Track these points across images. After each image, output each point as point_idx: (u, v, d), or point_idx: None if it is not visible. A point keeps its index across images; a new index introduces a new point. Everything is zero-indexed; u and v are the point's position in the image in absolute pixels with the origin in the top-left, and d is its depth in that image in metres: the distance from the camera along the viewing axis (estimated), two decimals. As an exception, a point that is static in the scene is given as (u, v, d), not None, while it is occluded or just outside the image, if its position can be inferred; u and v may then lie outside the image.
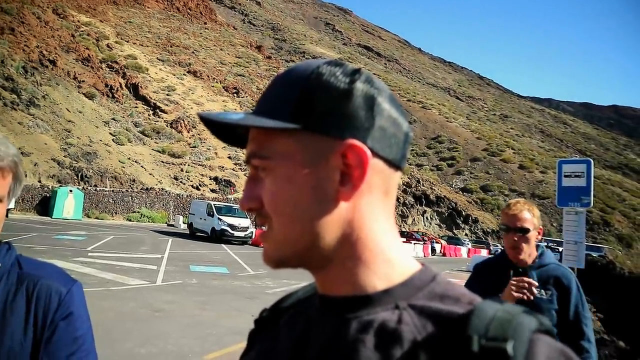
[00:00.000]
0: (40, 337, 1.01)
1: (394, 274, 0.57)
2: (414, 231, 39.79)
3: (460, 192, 61.35)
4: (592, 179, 6.59)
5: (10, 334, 0.99)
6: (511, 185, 65.08)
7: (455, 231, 48.44)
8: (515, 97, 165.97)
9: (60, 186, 26.02)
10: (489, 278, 2.27)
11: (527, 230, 2.16)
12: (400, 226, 44.04)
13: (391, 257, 0.58)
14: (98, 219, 27.08)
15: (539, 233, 2.24)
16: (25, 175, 26.17)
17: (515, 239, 2.18)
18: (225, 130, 0.63)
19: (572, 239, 6.62)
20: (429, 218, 49.08)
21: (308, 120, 0.55)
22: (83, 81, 42.30)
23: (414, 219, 47.43)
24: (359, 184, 0.55)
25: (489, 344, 0.46)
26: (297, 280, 12.22)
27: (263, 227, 0.60)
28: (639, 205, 64.40)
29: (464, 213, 50.66)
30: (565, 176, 6.79)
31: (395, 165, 0.59)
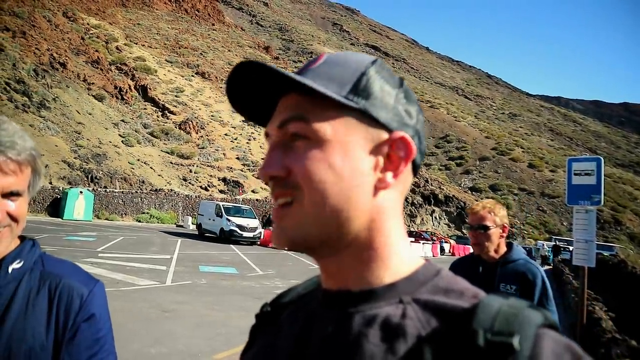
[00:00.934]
0: (62, 338, 1.00)
1: (402, 269, 0.57)
2: (423, 231, 39.64)
3: (469, 192, 61.04)
4: (603, 177, 6.53)
5: (32, 332, 0.99)
6: (520, 184, 64.64)
7: (464, 231, 48.17)
8: (524, 96, 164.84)
9: (71, 187, 26.27)
10: (461, 274, 2.35)
11: (486, 228, 2.38)
12: (409, 226, 43.91)
13: (402, 253, 0.58)
14: (108, 220, 27.30)
15: (503, 230, 2.44)
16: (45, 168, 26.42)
17: (476, 235, 2.41)
18: (250, 98, 0.61)
19: (583, 238, 6.56)
20: (437, 218, 48.89)
21: (366, 103, 0.56)
22: (93, 83, 42.72)
23: (422, 219, 47.28)
24: (398, 175, 0.57)
25: (495, 338, 0.46)
26: (307, 279, 12.23)
27: (280, 200, 0.57)
28: (651, 203, 63.63)
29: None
30: (575, 174, 6.73)
31: (415, 170, 0.61)
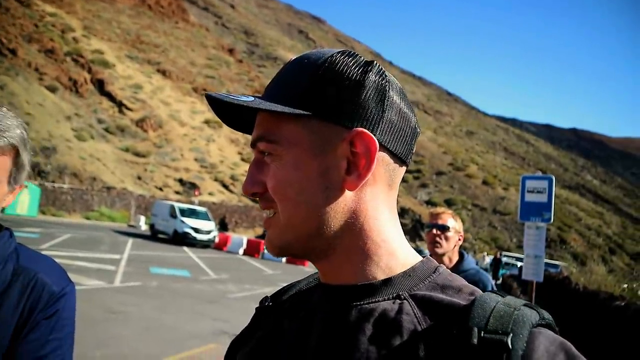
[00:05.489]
0: (19, 333, 0.94)
1: (396, 264, 0.57)
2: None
3: (425, 205, 62.36)
4: (554, 195, 6.79)
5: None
6: (474, 200, 66.62)
7: (418, 243, 49.09)
8: (481, 115, 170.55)
9: (16, 181, 24.96)
10: None
11: (446, 228, 2.45)
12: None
13: (393, 249, 0.58)
14: (54, 216, 26.07)
15: (459, 239, 2.53)
16: None
17: (436, 233, 2.47)
18: (232, 113, 0.62)
19: (533, 253, 6.78)
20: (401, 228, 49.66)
21: (318, 107, 0.55)
22: (45, 73, 40.87)
23: (378, 229, 47.88)
24: (365, 173, 0.55)
25: (489, 336, 0.46)
26: (260, 286, 12.07)
27: (266, 213, 0.60)
28: (594, 225, 67.07)
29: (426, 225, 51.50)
30: (528, 192, 6.97)
31: (401, 159, 0.59)
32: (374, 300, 0.55)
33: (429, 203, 64.63)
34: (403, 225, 50.99)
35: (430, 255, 2.54)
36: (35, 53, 43.33)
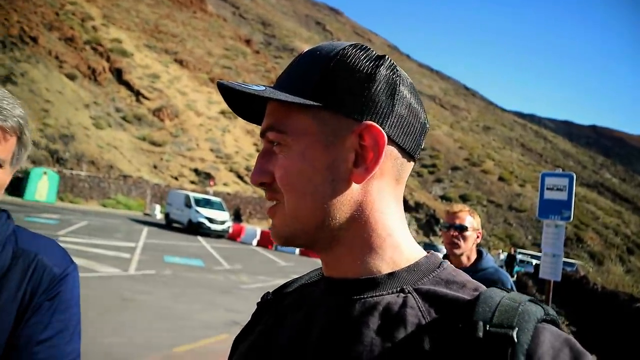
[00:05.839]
0: (22, 317, 0.92)
1: (400, 258, 0.57)
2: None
3: (439, 200, 61.94)
4: (574, 193, 6.62)
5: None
6: (489, 196, 65.96)
7: (432, 238, 48.83)
8: (498, 110, 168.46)
9: (35, 167, 25.31)
10: None
11: (464, 228, 2.36)
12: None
13: (399, 243, 0.58)
14: (72, 203, 26.44)
15: (478, 237, 2.43)
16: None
17: (453, 234, 2.38)
18: (243, 102, 0.62)
19: (551, 252, 6.64)
20: (407, 223, 49.45)
21: (329, 99, 0.55)
22: (65, 61, 41.29)
23: (392, 223, 47.72)
24: (373, 166, 0.55)
25: (494, 330, 0.46)
26: (274, 277, 12.08)
27: (272, 203, 0.60)
28: (612, 224, 65.98)
29: (441, 220, 51.12)
30: (548, 189, 6.81)
31: (409, 154, 0.59)
32: (378, 293, 0.55)
33: (444, 198, 64.18)
34: (417, 219, 50.60)
35: (448, 256, 2.43)
36: (55, 41, 43.81)
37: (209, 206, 22.11)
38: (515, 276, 19.21)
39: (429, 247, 45.54)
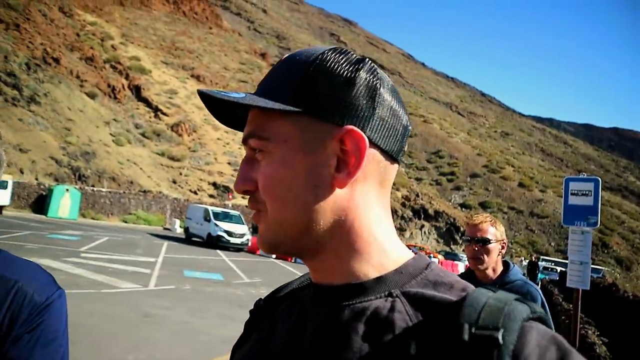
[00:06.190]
0: None
1: (387, 262, 0.57)
2: (412, 245, 39.51)
3: (459, 208, 61.21)
4: (600, 198, 6.41)
5: None
6: (510, 202, 64.95)
7: (452, 247, 48.18)
8: (516, 116, 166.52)
9: (57, 185, 25.79)
10: None
11: (487, 241, 2.22)
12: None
13: (385, 246, 0.58)
14: (94, 219, 26.83)
15: (502, 247, 2.28)
16: (22, 172, 25.95)
17: (476, 248, 2.23)
18: (224, 110, 0.62)
19: (578, 259, 6.42)
20: (426, 232, 48.86)
21: (309, 104, 0.55)
22: (86, 80, 42.23)
23: (411, 233, 47.21)
24: (355, 171, 0.55)
25: (479, 332, 0.46)
26: (293, 289, 11.97)
27: (254, 210, 0.60)
28: (638, 228, 64.22)
29: (462, 229, 50.47)
30: (572, 194, 6.61)
31: (392, 157, 0.59)
32: (366, 299, 0.54)
33: (464, 206, 63.41)
34: (437, 228, 50.01)
35: (471, 270, 2.30)
36: (76, 61, 44.87)
37: (227, 220, 22.18)
38: (539, 284, 18.77)
39: (450, 256, 44.68)
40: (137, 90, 49.14)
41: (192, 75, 61.28)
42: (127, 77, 50.45)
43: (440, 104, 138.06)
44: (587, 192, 6.42)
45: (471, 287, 0.54)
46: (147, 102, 48.22)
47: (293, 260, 20.28)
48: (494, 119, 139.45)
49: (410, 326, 0.51)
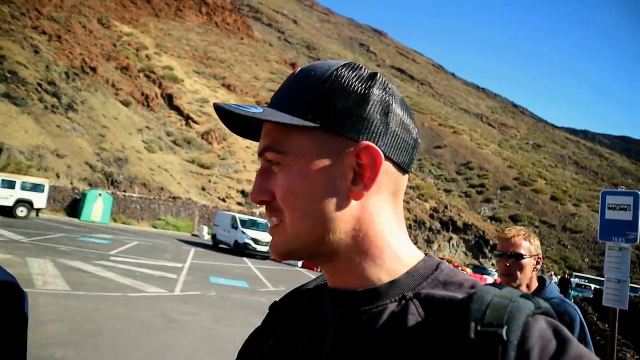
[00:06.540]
0: None
1: (399, 266, 0.60)
2: (440, 257, 38.78)
3: (489, 221, 59.94)
4: None
5: None
6: (542, 216, 63.24)
7: (481, 260, 47.13)
8: (549, 127, 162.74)
9: (91, 189, 26.50)
10: None
11: (520, 256, 2.08)
12: (425, 252, 43.11)
13: (397, 252, 0.60)
14: (124, 224, 27.40)
15: (537, 262, 2.12)
16: (58, 176, 26.73)
17: (508, 264, 2.08)
18: (239, 122, 0.64)
19: (615, 277, 6.12)
20: (455, 245, 47.97)
21: (326, 120, 0.57)
22: (120, 89, 43.46)
23: (439, 245, 46.43)
24: (370, 184, 0.58)
25: (485, 329, 0.48)
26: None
27: (272, 221, 0.62)
28: (678, 245, 61.52)
29: (491, 242, 49.35)
30: (609, 208, 6.32)
31: (403, 169, 0.62)
32: (381, 303, 0.57)
33: (493, 219, 62.05)
34: (466, 241, 48.97)
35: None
36: (112, 70, 46.27)
37: (254, 227, 22.29)
38: (572, 301, 18.04)
39: (479, 270, 43.66)
40: (169, 99, 50.24)
41: (223, 85, 62.30)
42: (160, 86, 51.66)
43: (471, 115, 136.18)
44: (625, 207, 6.13)
45: (480, 284, 0.56)
46: (178, 111, 49.21)
47: (319, 270, 20.15)
48: (525, 130, 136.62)
49: (423, 327, 0.53)
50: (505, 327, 0.47)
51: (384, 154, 0.58)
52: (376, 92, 0.59)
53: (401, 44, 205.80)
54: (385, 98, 0.59)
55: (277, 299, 0.73)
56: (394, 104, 0.60)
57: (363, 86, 0.59)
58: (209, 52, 73.80)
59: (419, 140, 0.63)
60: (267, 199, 0.61)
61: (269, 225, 0.63)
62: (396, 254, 0.60)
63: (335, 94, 0.58)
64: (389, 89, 0.61)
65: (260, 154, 0.61)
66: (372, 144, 0.57)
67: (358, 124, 0.57)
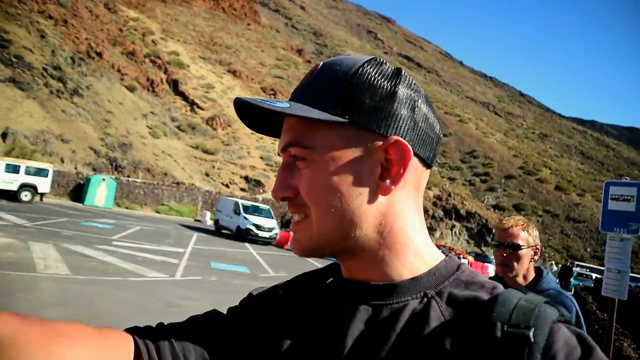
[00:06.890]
0: None
1: (421, 263, 0.60)
2: (441, 245, 38.86)
3: (492, 209, 59.83)
4: (641, 204, 6.05)
5: None
6: (545, 205, 63.09)
7: (483, 248, 47.14)
8: (556, 117, 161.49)
9: (95, 174, 26.60)
10: None
11: (517, 247, 2.07)
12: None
13: (419, 249, 0.61)
14: (128, 208, 27.54)
15: (535, 253, 2.11)
16: (62, 161, 26.80)
17: (505, 254, 2.08)
18: (259, 116, 0.63)
19: (615, 268, 6.09)
20: (457, 233, 47.99)
21: (354, 115, 0.57)
22: (126, 74, 43.38)
23: (442, 233, 46.47)
24: (398, 179, 0.58)
25: (512, 330, 0.48)
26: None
27: (295, 217, 0.61)
28: (683, 237, 61.25)
29: (494, 230, 49.22)
30: (612, 199, 6.26)
31: (427, 163, 0.62)
32: (403, 299, 0.57)
33: (497, 207, 61.95)
34: (468, 229, 48.90)
35: (500, 277, 2.12)
36: (118, 55, 46.14)
37: (257, 213, 22.33)
38: (572, 290, 18.09)
39: (480, 257, 43.67)
40: (174, 85, 50.16)
41: (228, 71, 62.07)
42: (165, 71, 51.56)
43: (477, 104, 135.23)
44: (628, 198, 6.07)
45: (500, 286, 0.57)
46: (183, 96, 49.16)
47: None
48: (532, 119, 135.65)
49: (445, 324, 0.53)
50: (533, 329, 0.48)
51: (412, 149, 0.59)
52: (403, 88, 0.59)
53: (409, 32, 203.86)
54: (411, 94, 0.60)
55: (260, 286, 0.72)
56: (419, 100, 0.60)
57: (390, 82, 0.59)
58: (215, 38, 73.42)
59: (441, 135, 0.64)
60: (290, 195, 0.60)
61: (292, 221, 0.62)
62: (418, 251, 0.60)
63: (363, 89, 0.57)
64: (414, 85, 0.61)
65: (284, 149, 0.60)
66: (401, 139, 0.57)
67: (387, 119, 0.57)
